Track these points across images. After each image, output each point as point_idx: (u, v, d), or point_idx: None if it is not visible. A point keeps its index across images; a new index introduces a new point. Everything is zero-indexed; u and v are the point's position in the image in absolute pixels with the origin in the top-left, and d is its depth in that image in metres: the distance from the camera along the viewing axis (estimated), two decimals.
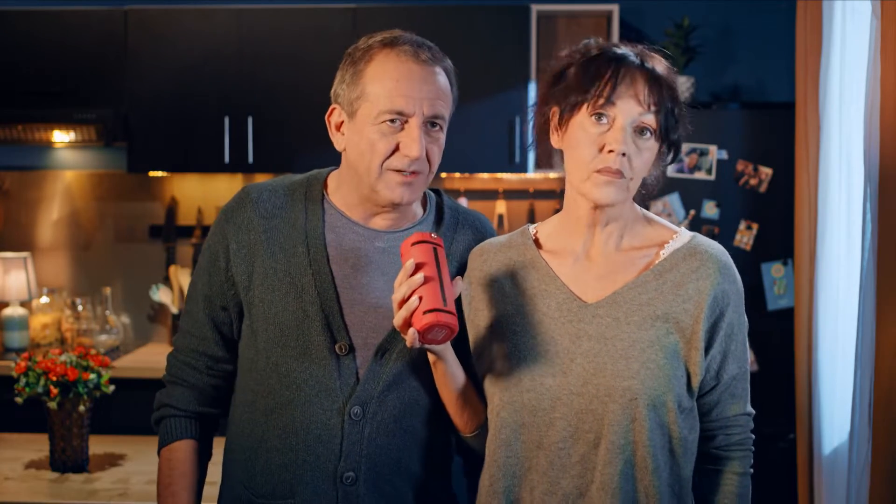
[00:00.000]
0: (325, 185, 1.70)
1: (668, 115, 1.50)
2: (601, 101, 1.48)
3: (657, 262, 1.55)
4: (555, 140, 1.57)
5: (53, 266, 4.19)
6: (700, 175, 3.53)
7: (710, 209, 3.54)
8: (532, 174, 3.85)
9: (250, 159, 3.78)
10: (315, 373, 1.59)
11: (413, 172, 1.58)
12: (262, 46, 3.78)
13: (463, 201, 4.01)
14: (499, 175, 4.02)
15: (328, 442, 1.59)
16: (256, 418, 1.64)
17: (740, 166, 3.52)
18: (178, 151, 3.85)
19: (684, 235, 1.59)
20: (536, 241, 1.63)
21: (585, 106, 1.49)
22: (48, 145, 4.08)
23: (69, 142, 3.91)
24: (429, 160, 1.59)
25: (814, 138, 3.21)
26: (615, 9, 3.79)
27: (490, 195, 4.09)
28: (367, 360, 1.61)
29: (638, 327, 1.51)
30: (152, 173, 4.05)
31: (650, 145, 1.50)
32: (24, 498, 2.31)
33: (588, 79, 1.49)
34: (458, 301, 1.65)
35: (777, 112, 3.55)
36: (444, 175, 4.01)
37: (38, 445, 2.70)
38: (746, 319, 1.58)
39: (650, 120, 1.49)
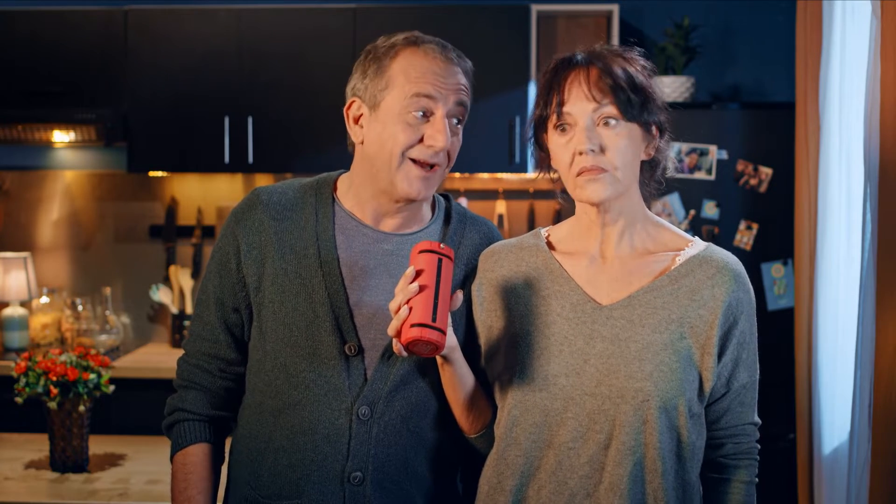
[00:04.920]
0: (334, 188, 1.70)
1: (627, 97, 1.50)
2: (555, 113, 1.52)
3: (673, 267, 1.56)
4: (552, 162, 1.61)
5: (53, 266, 4.19)
6: (700, 175, 3.52)
7: (710, 209, 3.54)
8: (532, 174, 3.84)
9: (250, 159, 3.78)
10: (324, 373, 1.59)
11: (432, 166, 1.59)
12: (262, 46, 3.78)
13: (463, 201, 4.01)
14: (499, 175, 4.02)
15: (336, 442, 1.59)
16: (264, 419, 1.64)
17: (740, 166, 3.52)
18: (178, 151, 3.85)
19: (700, 244, 1.60)
20: (549, 244, 1.64)
21: (550, 124, 1.54)
22: (48, 145, 4.08)
23: (69, 142, 3.91)
24: (448, 155, 1.62)
25: (814, 138, 3.21)
26: (615, 9, 3.79)
27: (490, 195, 4.09)
28: (375, 360, 1.62)
29: (652, 330, 1.51)
30: (152, 173, 4.05)
31: (622, 132, 1.51)
32: (24, 498, 2.31)
33: (541, 98, 1.55)
34: (469, 309, 1.65)
35: (777, 112, 3.55)
36: None
37: (38, 445, 2.69)
38: (757, 329, 1.59)
39: (609, 110, 1.50)
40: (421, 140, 1.58)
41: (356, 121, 1.64)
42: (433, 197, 1.75)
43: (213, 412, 1.70)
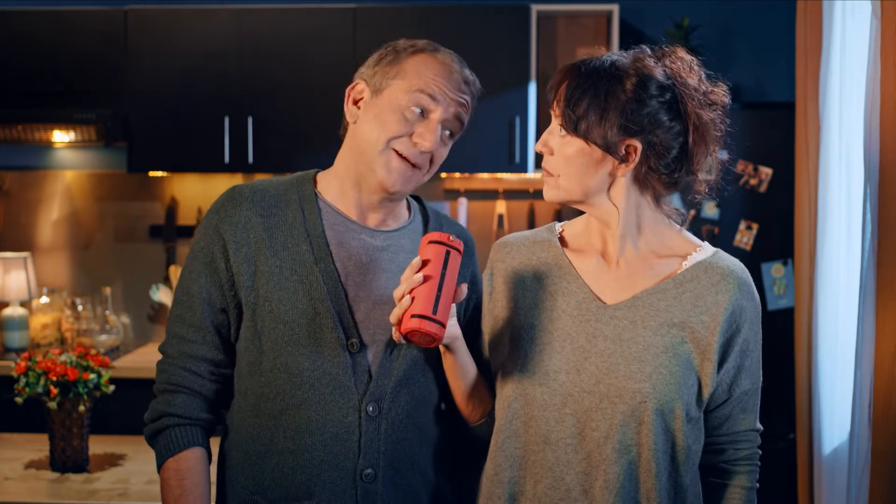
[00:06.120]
0: (314, 184, 1.70)
1: (571, 115, 1.49)
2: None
3: (679, 272, 1.56)
4: None
5: (53, 266, 4.19)
6: (700, 175, 3.52)
7: (710, 209, 3.54)
8: (532, 174, 3.85)
9: (250, 159, 3.78)
10: (329, 370, 1.59)
11: (414, 165, 1.61)
12: (262, 46, 3.78)
13: (463, 201, 4.01)
14: (499, 175, 4.02)
15: (346, 440, 1.59)
16: (262, 422, 1.62)
17: (740, 166, 3.52)
18: (178, 151, 3.84)
19: (707, 250, 1.60)
20: (562, 239, 1.65)
21: None
22: (48, 145, 4.08)
23: (69, 142, 3.91)
24: (432, 160, 1.63)
25: (814, 138, 3.21)
26: (615, 9, 3.79)
27: (490, 195, 4.09)
28: (377, 356, 1.62)
29: (654, 332, 1.52)
30: (152, 173, 4.05)
31: (568, 142, 1.51)
32: (24, 498, 2.30)
33: None
34: (476, 302, 1.68)
35: (777, 112, 3.55)
36: (444, 175, 4.01)
37: (38, 445, 2.69)
38: (762, 337, 1.59)
39: (559, 120, 1.52)
40: (410, 136, 1.60)
41: (355, 102, 1.65)
42: (406, 199, 1.77)
43: (203, 415, 1.65)
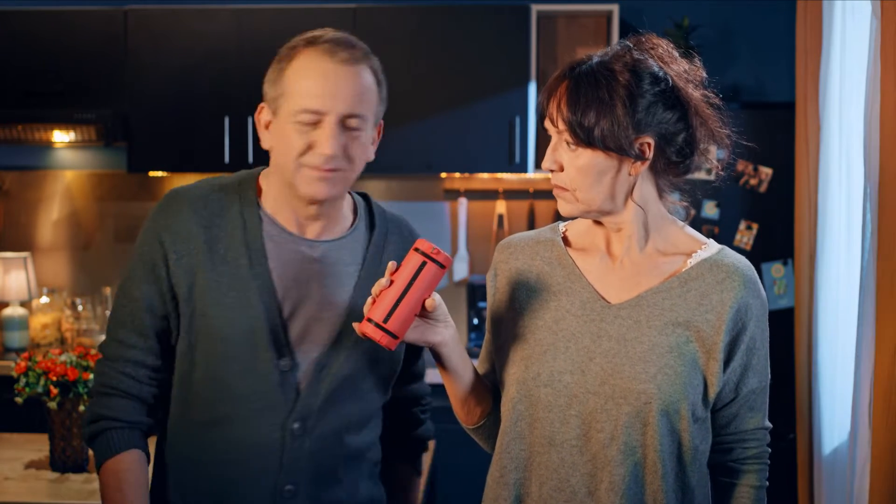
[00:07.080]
0: (258, 191, 1.66)
1: (581, 126, 1.46)
2: (544, 121, 1.52)
3: (683, 270, 1.55)
4: None
5: (53, 266, 4.19)
6: (700, 175, 3.52)
7: (710, 209, 3.54)
8: (532, 174, 3.85)
9: (250, 159, 3.78)
10: (258, 388, 1.57)
11: (331, 169, 1.55)
12: (262, 46, 3.76)
13: (463, 201, 4.01)
14: (499, 175, 4.02)
15: (267, 457, 1.58)
16: (190, 431, 1.61)
17: (740, 166, 3.52)
18: (178, 151, 3.85)
19: (713, 247, 1.59)
20: (565, 239, 1.64)
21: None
22: (48, 145, 4.08)
23: (69, 142, 3.91)
24: (349, 158, 1.56)
25: (814, 138, 3.21)
26: (615, 9, 3.79)
27: (490, 195, 4.09)
28: (307, 374, 1.60)
29: (659, 332, 1.50)
30: (152, 173, 4.05)
31: (581, 154, 1.48)
32: (24, 498, 2.30)
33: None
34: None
35: (777, 112, 3.55)
36: (444, 175, 4.01)
37: (38, 445, 2.69)
38: (769, 334, 1.58)
39: (566, 136, 1.48)
40: (312, 146, 1.54)
41: (266, 126, 1.61)
42: (352, 199, 1.72)
43: (141, 419, 1.63)
